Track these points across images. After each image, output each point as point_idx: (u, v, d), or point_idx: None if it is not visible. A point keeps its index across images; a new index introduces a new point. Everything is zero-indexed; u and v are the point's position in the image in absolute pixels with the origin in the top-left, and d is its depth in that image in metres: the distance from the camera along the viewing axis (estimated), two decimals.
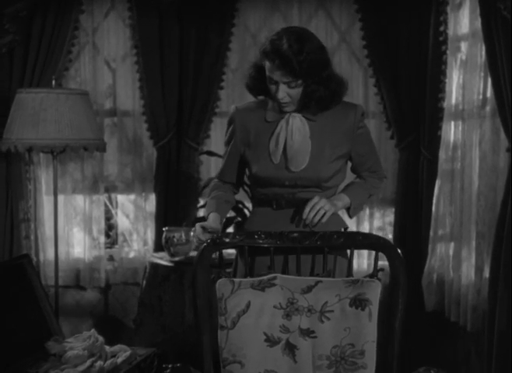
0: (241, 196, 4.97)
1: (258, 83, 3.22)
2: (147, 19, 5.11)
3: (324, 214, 3.10)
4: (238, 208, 4.88)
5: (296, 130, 3.20)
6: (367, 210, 5.26)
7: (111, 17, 5.29)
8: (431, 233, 4.91)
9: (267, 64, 3.09)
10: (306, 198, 3.17)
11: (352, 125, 3.22)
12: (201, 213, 5.21)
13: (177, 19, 5.08)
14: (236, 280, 2.91)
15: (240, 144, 3.30)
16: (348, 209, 3.31)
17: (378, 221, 5.28)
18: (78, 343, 2.81)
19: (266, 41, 3.11)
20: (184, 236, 4.79)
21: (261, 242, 3.02)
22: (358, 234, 3.07)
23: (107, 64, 5.33)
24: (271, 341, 2.84)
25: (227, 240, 3.03)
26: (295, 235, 3.03)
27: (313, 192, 3.20)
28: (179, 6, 5.09)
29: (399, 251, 2.95)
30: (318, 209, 3.10)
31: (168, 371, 2.72)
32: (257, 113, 3.28)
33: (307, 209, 3.10)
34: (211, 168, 5.32)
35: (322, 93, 3.13)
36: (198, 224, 3.13)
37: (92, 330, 2.94)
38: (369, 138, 3.34)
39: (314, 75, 3.08)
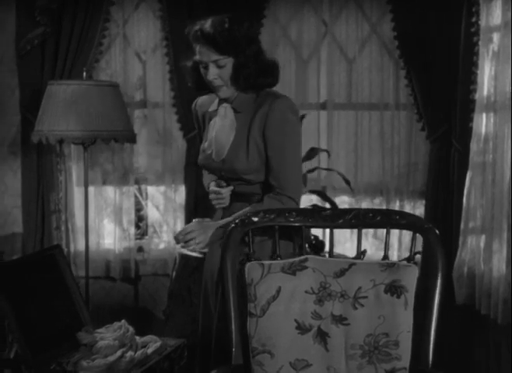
0: None
1: (197, 77, 3.23)
2: (177, 10, 5.11)
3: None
4: None
5: (219, 120, 3.24)
6: (397, 203, 5.23)
7: (141, 9, 5.30)
8: (462, 225, 4.87)
9: (196, 48, 3.12)
10: (241, 192, 3.19)
11: (263, 116, 3.12)
12: None
13: (207, 9, 5.07)
14: (266, 263, 2.84)
15: (200, 135, 3.42)
16: None
17: None
18: (109, 333, 2.82)
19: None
20: None
21: (292, 220, 2.92)
22: (395, 213, 2.94)
23: (138, 55, 5.34)
24: (302, 328, 2.78)
25: (256, 219, 2.92)
26: (328, 212, 2.95)
27: (244, 185, 3.18)
28: None
29: (437, 232, 2.85)
30: (189, 239, 3.11)
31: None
32: (207, 104, 3.35)
33: (180, 236, 3.12)
34: None
35: (251, 70, 3.11)
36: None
37: (123, 321, 2.95)
38: (280, 144, 3.13)
39: (241, 50, 3.08)
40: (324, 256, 4.39)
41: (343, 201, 5.28)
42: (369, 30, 5.19)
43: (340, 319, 2.78)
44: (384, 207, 5.22)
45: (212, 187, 3.27)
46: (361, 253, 2.95)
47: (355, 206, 5.22)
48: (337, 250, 4.94)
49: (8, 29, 5.34)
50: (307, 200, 5.16)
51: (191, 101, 5.15)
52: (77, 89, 4.65)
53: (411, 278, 2.79)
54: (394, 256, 5.18)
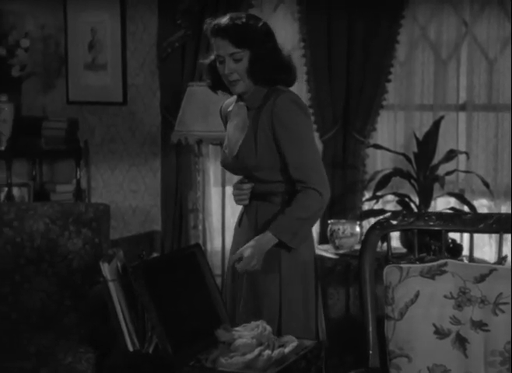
0: (408, 189, 4.92)
1: (214, 76, 3.23)
2: (316, 12, 5.11)
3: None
4: (405, 202, 4.82)
5: (233, 119, 3.25)
6: None
7: (280, 11, 5.33)
8: None
9: (212, 42, 3.14)
10: (259, 191, 3.19)
11: (268, 112, 3.11)
12: (366, 206, 5.19)
13: (345, 11, 5.06)
14: (405, 266, 2.81)
15: None
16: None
17: None
18: (247, 331, 2.84)
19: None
20: (349, 229, 4.78)
21: (431, 224, 2.90)
22: None
23: None
24: (440, 333, 2.75)
25: (395, 223, 2.91)
26: (468, 216, 2.92)
27: (260, 184, 3.17)
28: None
29: None
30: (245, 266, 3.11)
31: None
32: (230, 106, 3.35)
33: (236, 263, 3.14)
34: (377, 161, 5.27)
35: (267, 64, 3.10)
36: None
37: (261, 320, 2.98)
38: (293, 136, 3.11)
39: (257, 44, 3.08)
40: (462, 259, 4.34)
41: (482, 204, 5.16)
42: None
43: (480, 325, 2.73)
44: None
45: (235, 183, 3.30)
46: (502, 259, 2.90)
47: (495, 210, 5.11)
48: (475, 254, 4.83)
49: (150, 33, 5.49)
50: (445, 203, 5.08)
51: (328, 102, 5.21)
52: None
53: None
54: None
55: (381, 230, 2.93)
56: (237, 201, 3.30)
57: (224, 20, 3.12)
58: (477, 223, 2.89)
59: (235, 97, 3.33)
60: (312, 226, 3.24)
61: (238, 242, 3.31)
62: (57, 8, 5.78)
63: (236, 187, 3.27)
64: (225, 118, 3.43)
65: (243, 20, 3.11)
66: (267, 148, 3.14)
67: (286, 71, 3.19)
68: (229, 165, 3.30)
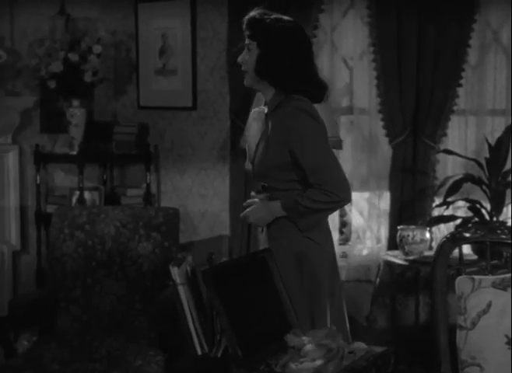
0: (479, 196, 4.86)
1: None
2: (386, 16, 5.08)
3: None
4: (476, 208, 4.76)
5: (253, 123, 3.29)
6: None
7: (350, 15, 5.31)
8: None
9: None
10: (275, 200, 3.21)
11: (280, 121, 3.11)
12: (436, 212, 5.14)
13: (416, 15, 5.02)
14: (477, 278, 2.81)
15: None
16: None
17: None
18: (316, 337, 2.84)
19: None
20: (419, 235, 4.75)
21: (503, 237, 2.90)
22: None
23: (345, 62, 5.37)
24: None
25: (467, 235, 2.93)
26: None
27: (277, 192, 3.19)
28: (419, 2, 5.01)
29: None
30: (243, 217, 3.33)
31: None
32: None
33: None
34: (447, 167, 5.21)
35: (274, 65, 3.12)
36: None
37: (330, 325, 2.98)
38: (303, 142, 3.11)
39: (268, 41, 3.12)
40: None
41: None
42: None
43: None
44: None
45: (252, 193, 3.36)
46: None
47: None
48: None
49: (220, 39, 5.52)
50: None
51: (398, 107, 5.17)
52: None
53: None
54: None
55: (454, 242, 2.95)
56: None
57: (252, 12, 3.21)
58: None
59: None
60: (323, 218, 3.26)
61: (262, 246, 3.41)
62: (128, 14, 5.86)
63: (251, 197, 3.33)
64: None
65: (263, 16, 3.17)
66: (278, 154, 3.16)
67: (301, 81, 3.18)
68: (249, 171, 3.34)
